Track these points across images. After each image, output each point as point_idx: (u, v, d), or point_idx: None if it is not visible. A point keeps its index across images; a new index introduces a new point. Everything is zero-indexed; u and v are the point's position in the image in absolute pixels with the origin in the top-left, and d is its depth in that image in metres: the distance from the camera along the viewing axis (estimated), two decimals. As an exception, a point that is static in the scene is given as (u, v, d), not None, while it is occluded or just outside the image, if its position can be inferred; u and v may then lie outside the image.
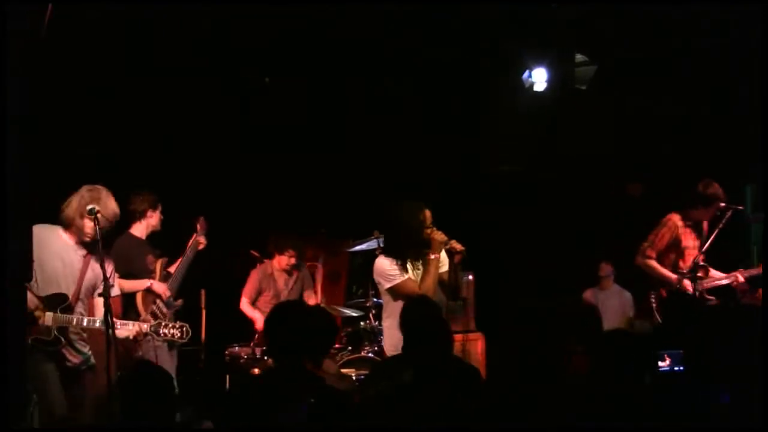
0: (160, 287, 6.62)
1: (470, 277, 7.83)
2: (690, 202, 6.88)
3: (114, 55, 7.34)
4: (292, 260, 7.75)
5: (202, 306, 7.42)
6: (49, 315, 5.23)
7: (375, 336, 7.36)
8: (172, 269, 6.82)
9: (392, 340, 5.30)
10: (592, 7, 7.85)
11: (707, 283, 6.89)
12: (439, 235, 5.49)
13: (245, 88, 8.44)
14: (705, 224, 6.96)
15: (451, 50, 8.53)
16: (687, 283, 6.75)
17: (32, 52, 3.93)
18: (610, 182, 9.22)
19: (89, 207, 5.26)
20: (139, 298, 6.60)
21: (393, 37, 8.28)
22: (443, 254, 5.58)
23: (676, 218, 6.95)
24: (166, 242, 7.03)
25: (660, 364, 4.31)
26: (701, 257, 6.84)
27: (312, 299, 7.88)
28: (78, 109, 7.26)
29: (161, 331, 5.60)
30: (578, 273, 9.13)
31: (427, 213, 5.54)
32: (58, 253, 5.34)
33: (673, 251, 6.95)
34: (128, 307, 6.52)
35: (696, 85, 8.18)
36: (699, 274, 6.91)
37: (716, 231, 6.79)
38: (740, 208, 6.84)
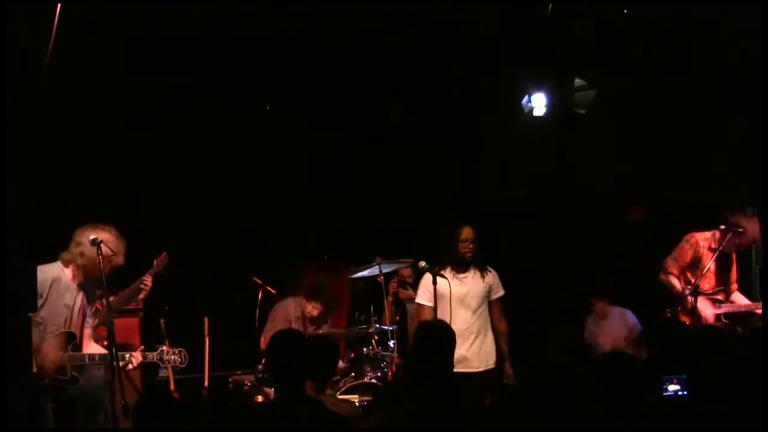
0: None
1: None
2: (725, 228, 6.91)
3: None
4: (314, 312, 7.61)
5: (206, 333, 7.43)
6: (64, 355, 5.29)
7: (378, 362, 7.36)
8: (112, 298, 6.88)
9: None
10: (592, 28, 7.92)
11: (725, 308, 6.93)
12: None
13: (245, 112, 8.48)
14: (733, 255, 7.01)
15: (452, 76, 8.60)
16: (691, 300, 6.81)
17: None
18: (611, 206, 9.24)
19: (92, 237, 5.31)
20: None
21: (392, 63, 8.34)
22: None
23: (699, 237, 7.01)
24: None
25: (671, 388, 4.35)
26: (735, 286, 6.94)
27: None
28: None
29: (165, 358, 5.70)
30: (579, 298, 9.14)
31: (466, 229, 6.33)
32: (63, 294, 5.38)
33: (691, 269, 7.00)
34: None
35: (696, 106, 8.21)
36: (719, 297, 6.97)
37: (716, 253, 6.84)
38: (740, 230, 6.86)
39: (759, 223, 6.85)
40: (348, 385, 7.13)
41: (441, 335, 4.49)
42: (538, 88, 8.48)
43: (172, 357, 5.69)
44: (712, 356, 4.54)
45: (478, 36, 7.95)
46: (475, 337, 6.39)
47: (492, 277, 6.48)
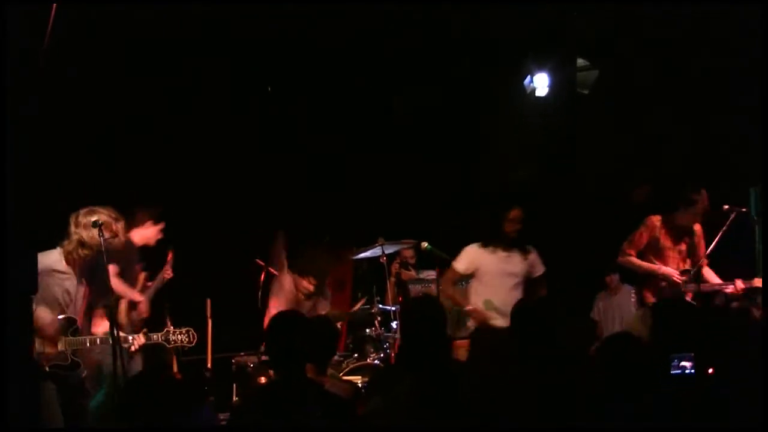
0: (144, 306, 6.78)
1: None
2: (673, 204, 6.94)
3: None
4: (310, 287, 7.57)
5: (208, 315, 7.45)
6: (61, 339, 5.23)
7: (381, 343, 7.37)
8: (149, 284, 6.99)
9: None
10: (595, 12, 7.90)
11: (690, 288, 6.94)
12: None
13: (250, 96, 8.47)
14: (698, 228, 7.00)
15: (454, 59, 8.58)
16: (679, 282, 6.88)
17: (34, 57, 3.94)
18: (615, 187, 9.22)
19: (93, 219, 5.27)
20: (123, 306, 6.69)
21: (394, 47, 8.32)
22: None
23: (655, 219, 7.06)
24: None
25: (681, 365, 4.36)
26: (704, 261, 6.89)
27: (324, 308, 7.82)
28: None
29: (171, 338, 5.63)
30: (587, 277, 9.14)
31: (515, 210, 6.64)
32: (60, 281, 5.31)
33: (651, 251, 7.01)
34: None
35: (701, 86, 8.19)
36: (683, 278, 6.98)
37: (720, 233, 6.82)
38: (744, 210, 6.85)
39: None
40: (351, 366, 7.15)
41: (428, 310, 4.50)
42: (541, 69, 8.45)
43: (179, 337, 5.62)
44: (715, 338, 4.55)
45: (479, 20, 7.93)
46: None
47: (534, 256, 6.78)
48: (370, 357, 7.29)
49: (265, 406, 3.76)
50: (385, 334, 7.38)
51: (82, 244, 5.31)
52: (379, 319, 7.47)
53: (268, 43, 7.88)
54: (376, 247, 7.38)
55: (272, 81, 8.52)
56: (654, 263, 6.97)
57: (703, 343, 4.51)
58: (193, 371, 7.28)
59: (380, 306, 7.56)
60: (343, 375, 6.88)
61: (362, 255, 7.72)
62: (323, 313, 7.65)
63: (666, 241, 6.96)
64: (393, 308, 7.56)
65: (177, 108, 7.97)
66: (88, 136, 7.47)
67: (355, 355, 7.44)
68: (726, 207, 6.85)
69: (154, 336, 5.62)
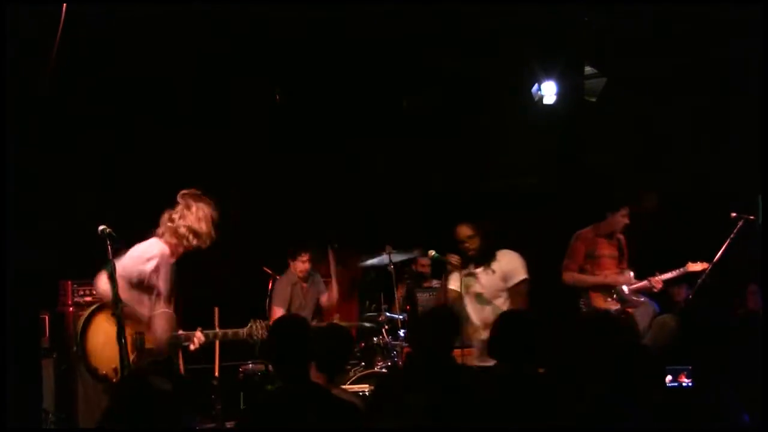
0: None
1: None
2: (601, 213, 7.19)
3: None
4: (307, 264, 7.66)
5: (216, 324, 7.44)
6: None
7: (388, 351, 7.37)
8: None
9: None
10: (603, 18, 7.89)
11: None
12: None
13: (255, 104, 8.48)
14: (622, 236, 7.21)
15: (461, 63, 8.58)
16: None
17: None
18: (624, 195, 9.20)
19: (100, 228, 5.20)
20: None
21: (402, 52, 8.32)
22: None
23: (585, 231, 7.20)
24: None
25: (680, 378, 4.35)
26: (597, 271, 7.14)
27: (325, 297, 7.84)
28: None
29: (254, 333, 5.73)
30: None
31: (459, 229, 6.17)
32: (169, 270, 5.59)
33: (589, 262, 7.09)
34: None
35: (709, 93, 8.17)
36: None
37: (728, 241, 6.81)
38: (751, 218, 6.84)
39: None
40: (359, 374, 7.15)
41: (438, 319, 4.50)
42: (548, 77, 8.43)
43: (260, 331, 5.71)
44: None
45: (487, 23, 7.93)
46: None
47: (506, 263, 6.21)
48: (377, 365, 7.29)
49: (271, 410, 3.76)
50: (393, 343, 7.38)
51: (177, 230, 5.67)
52: (386, 327, 7.48)
53: (272, 44, 7.88)
54: (383, 255, 7.39)
55: (280, 85, 8.52)
56: (595, 274, 7.11)
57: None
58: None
59: (387, 314, 7.56)
60: (351, 383, 6.89)
61: (369, 262, 7.74)
62: (326, 292, 7.74)
63: (601, 250, 7.11)
64: (400, 316, 7.56)
65: (182, 113, 7.98)
66: (92, 139, 7.49)
67: (362, 363, 7.43)
68: (734, 215, 6.85)
69: (241, 331, 5.71)
